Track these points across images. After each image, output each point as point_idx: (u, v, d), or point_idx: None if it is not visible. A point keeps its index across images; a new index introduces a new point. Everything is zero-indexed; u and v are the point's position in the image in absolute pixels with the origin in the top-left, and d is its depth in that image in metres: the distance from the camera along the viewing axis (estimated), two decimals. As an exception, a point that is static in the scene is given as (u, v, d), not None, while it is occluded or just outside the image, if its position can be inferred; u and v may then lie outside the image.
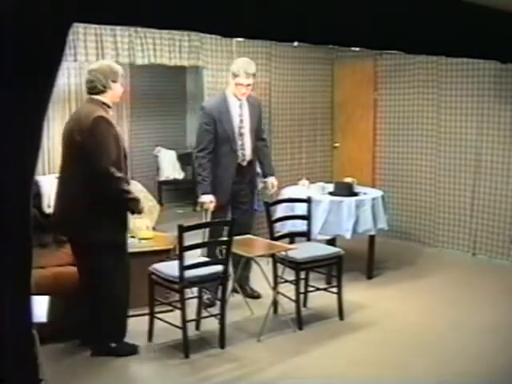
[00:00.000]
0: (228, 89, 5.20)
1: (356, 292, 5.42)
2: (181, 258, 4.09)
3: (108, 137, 3.93)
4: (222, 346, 4.29)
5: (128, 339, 4.40)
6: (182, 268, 4.09)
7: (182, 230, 4.10)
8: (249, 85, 5.06)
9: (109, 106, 4.11)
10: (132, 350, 4.23)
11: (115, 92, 4.13)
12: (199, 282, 4.29)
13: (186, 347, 4.15)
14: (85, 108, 4.10)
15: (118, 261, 4.13)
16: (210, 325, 4.51)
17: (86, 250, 4.08)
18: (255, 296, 5.26)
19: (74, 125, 4.02)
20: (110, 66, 4.14)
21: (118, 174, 3.93)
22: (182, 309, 4.19)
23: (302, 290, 4.83)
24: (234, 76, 5.04)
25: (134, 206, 4.08)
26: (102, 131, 3.92)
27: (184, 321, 4.17)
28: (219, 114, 5.05)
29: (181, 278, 4.11)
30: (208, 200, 4.99)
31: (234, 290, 5.11)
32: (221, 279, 4.31)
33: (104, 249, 4.03)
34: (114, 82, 4.10)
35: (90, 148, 3.88)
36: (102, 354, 4.13)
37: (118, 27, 5.40)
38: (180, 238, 4.09)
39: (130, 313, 4.77)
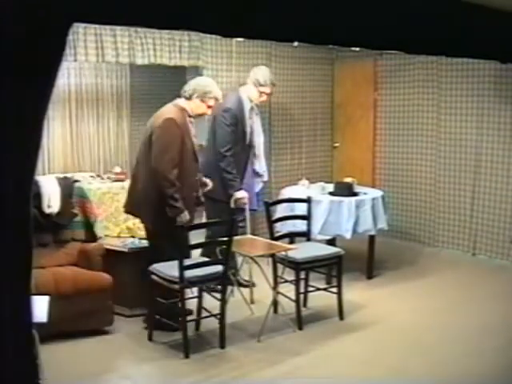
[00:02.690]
0: (243, 92, 5.46)
1: (356, 292, 5.42)
2: (181, 258, 4.09)
3: (171, 139, 4.28)
4: (222, 346, 4.29)
5: (128, 339, 4.41)
6: (182, 268, 4.09)
7: (182, 229, 4.10)
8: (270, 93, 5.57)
9: (189, 115, 4.47)
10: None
11: (196, 108, 4.49)
12: (199, 281, 4.29)
13: (186, 347, 4.15)
14: (164, 109, 4.51)
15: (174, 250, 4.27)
16: (210, 325, 4.51)
17: (152, 235, 4.54)
18: (248, 285, 5.25)
19: (152, 123, 4.43)
20: (206, 85, 4.50)
21: (171, 178, 4.22)
22: (182, 309, 4.19)
23: (301, 290, 4.83)
24: (260, 85, 5.44)
25: (173, 214, 4.29)
26: (166, 133, 4.29)
27: (184, 321, 4.17)
28: (240, 115, 5.36)
29: (181, 278, 4.11)
30: (245, 195, 5.27)
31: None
32: (221, 279, 4.31)
33: (164, 236, 4.36)
34: (202, 100, 4.48)
35: (154, 147, 4.28)
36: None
37: (118, 27, 5.40)
38: (181, 238, 4.09)
39: (130, 313, 4.79)
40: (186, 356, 4.13)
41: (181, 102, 4.52)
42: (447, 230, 6.86)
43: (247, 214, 5.37)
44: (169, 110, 4.45)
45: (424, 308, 5.13)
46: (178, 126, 4.34)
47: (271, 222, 4.98)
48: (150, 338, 4.39)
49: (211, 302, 4.69)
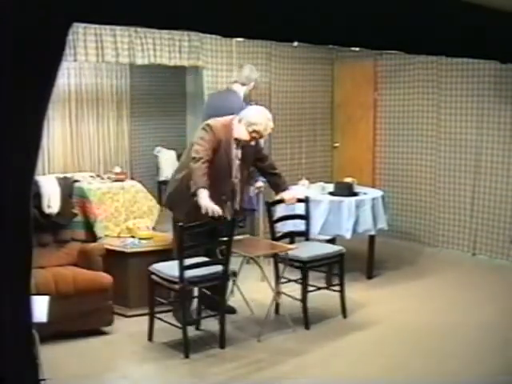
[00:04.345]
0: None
1: (356, 292, 5.41)
2: (181, 258, 4.09)
3: (204, 137, 4.40)
4: (222, 346, 4.29)
5: (128, 339, 4.41)
6: (182, 268, 4.09)
7: (182, 229, 4.10)
8: None
9: (235, 138, 4.51)
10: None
11: (239, 133, 4.49)
12: (199, 281, 4.28)
13: (186, 347, 4.15)
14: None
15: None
16: (210, 325, 4.51)
17: None
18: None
19: None
20: (253, 116, 4.47)
21: (198, 165, 4.26)
22: (183, 309, 4.19)
23: (300, 289, 4.82)
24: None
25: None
26: (202, 132, 4.45)
27: (184, 321, 4.17)
28: None
29: (181, 278, 4.10)
30: (262, 185, 5.55)
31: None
32: (221, 279, 4.31)
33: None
34: (246, 127, 4.44)
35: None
36: None
37: (118, 27, 5.40)
38: (180, 238, 4.09)
39: (130, 313, 4.79)
40: (186, 356, 4.13)
41: (236, 119, 4.55)
42: (447, 230, 6.86)
43: (260, 211, 5.51)
44: (216, 119, 4.59)
45: (424, 308, 5.13)
46: (212, 132, 4.42)
47: (272, 222, 4.98)
48: (150, 338, 4.39)
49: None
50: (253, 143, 4.60)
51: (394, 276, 5.97)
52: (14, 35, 1.44)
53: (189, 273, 4.13)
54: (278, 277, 4.79)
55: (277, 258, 4.77)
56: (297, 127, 7.31)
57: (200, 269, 4.21)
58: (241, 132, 4.49)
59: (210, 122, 4.54)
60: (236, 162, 4.56)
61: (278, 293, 4.76)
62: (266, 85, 6.85)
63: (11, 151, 1.52)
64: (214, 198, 4.32)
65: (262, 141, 5.36)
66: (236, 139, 4.51)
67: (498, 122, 6.27)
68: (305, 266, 4.68)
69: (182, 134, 9.17)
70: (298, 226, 5.21)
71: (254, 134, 4.48)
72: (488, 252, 6.48)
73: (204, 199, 4.15)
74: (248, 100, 5.90)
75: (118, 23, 2.88)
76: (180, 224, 4.18)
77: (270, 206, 5.03)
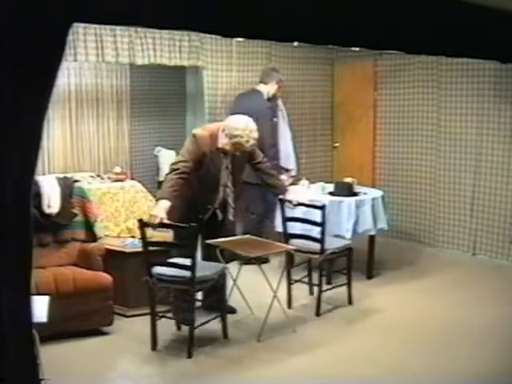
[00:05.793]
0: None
1: (356, 292, 5.40)
2: (146, 256, 4.17)
3: (189, 147, 4.39)
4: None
5: (128, 339, 4.41)
6: (150, 265, 4.15)
7: (142, 225, 4.14)
8: None
9: (222, 150, 4.44)
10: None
11: (223, 143, 4.42)
12: (169, 281, 4.25)
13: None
14: (207, 125, 4.85)
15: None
16: (210, 325, 4.51)
17: None
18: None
19: None
20: (236, 128, 4.34)
21: (170, 177, 4.27)
22: (151, 306, 4.21)
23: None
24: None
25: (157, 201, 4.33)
26: (188, 141, 4.45)
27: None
28: None
29: (149, 274, 4.16)
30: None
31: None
32: (190, 283, 4.17)
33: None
34: (228, 139, 4.35)
35: None
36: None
37: (118, 27, 5.40)
38: (142, 233, 4.13)
39: (130, 313, 4.79)
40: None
41: (221, 128, 4.46)
42: (447, 230, 6.85)
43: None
44: (206, 127, 4.61)
45: (424, 308, 5.13)
46: (197, 143, 4.37)
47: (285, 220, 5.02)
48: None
49: (211, 302, 4.69)
50: (238, 153, 4.48)
51: (394, 276, 5.97)
52: (14, 35, 1.44)
53: (159, 270, 4.18)
54: (289, 276, 4.84)
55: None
56: (297, 127, 7.30)
57: (170, 268, 4.20)
58: (224, 142, 4.40)
59: (198, 132, 4.46)
60: (225, 172, 4.50)
61: (274, 296, 4.74)
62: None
63: (11, 151, 1.52)
64: (200, 207, 4.37)
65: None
66: (221, 149, 4.42)
67: (497, 121, 6.27)
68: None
69: (182, 134, 9.14)
70: (296, 226, 5.19)
71: (237, 146, 4.39)
72: (488, 252, 6.47)
73: (157, 209, 4.20)
74: (274, 100, 6.22)
75: (118, 23, 2.88)
76: (139, 219, 4.23)
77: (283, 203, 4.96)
